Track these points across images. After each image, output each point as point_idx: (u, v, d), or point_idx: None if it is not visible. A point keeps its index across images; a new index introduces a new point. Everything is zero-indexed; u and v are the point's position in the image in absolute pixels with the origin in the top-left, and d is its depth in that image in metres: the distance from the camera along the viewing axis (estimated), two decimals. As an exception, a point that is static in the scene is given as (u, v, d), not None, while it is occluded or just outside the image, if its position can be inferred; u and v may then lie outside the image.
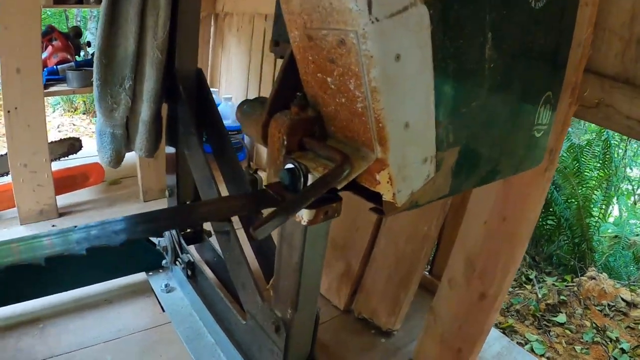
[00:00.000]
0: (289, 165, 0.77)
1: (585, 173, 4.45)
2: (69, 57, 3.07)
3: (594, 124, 4.56)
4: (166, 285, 1.84)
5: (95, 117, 5.13)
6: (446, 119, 0.78)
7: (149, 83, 1.57)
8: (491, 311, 1.65)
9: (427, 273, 2.39)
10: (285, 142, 0.78)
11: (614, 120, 1.33)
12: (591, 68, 1.35)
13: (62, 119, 5.95)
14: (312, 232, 0.99)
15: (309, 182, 0.76)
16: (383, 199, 0.77)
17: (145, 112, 1.61)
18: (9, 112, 2.37)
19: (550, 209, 4.36)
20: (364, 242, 2.03)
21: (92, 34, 7.24)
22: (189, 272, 1.75)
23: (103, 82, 1.56)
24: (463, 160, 0.85)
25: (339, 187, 0.75)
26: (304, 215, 0.79)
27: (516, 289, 3.74)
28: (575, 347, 3.10)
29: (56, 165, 2.76)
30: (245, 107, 0.91)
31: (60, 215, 2.70)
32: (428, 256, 1.96)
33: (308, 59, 0.75)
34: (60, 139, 3.18)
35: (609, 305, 3.48)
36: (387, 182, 0.75)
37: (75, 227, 0.88)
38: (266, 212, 0.71)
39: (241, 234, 1.40)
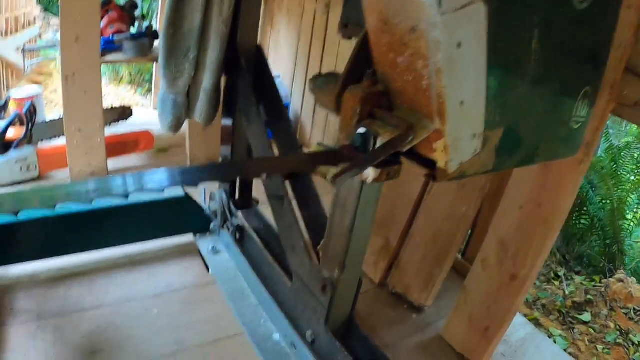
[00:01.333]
0: (362, 130, 0.87)
1: (622, 175, 4.40)
2: (124, 28, 3.17)
3: (635, 127, 4.51)
4: (213, 248, 1.93)
5: (140, 88, 5.25)
6: (494, 102, 0.86)
7: (212, 55, 1.64)
8: (520, 293, 1.72)
9: (460, 256, 2.45)
10: (358, 111, 0.88)
11: (650, 121, 1.36)
12: (632, 68, 1.39)
13: (107, 88, 6.09)
14: (365, 198, 1.09)
15: (377, 145, 0.86)
16: (437, 165, 0.87)
17: (206, 81, 1.69)
18: (66, 78, 2.46)
19: (585, 208, 4.33)
20: (403, 219, 2.10)
21: (139, -1, 7.37)
22: (238, 236, 1.84)
23: (169, 52, 1.64)
24: (506, 141, 0.93)
25: (403, 150, 0.85)
26: (370, 173, 0.90)
27: (544, 284, 3.75)
28: (597, 346, 3.11)
29: (107, 131, 2.84)
30: (319, 81, 1.02)
31: (110, 178, 2.80)
32: (464, 237, 2.02)
33: (381, 41, 0.85)
34: (112, 107, 3.30)
35: (634, 309, 3.47)
36: (442, 150, 0.85)
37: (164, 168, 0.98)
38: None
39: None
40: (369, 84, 0.87)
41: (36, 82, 5.61)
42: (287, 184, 1.47)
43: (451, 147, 0.84)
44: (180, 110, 1.76)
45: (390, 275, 2.21)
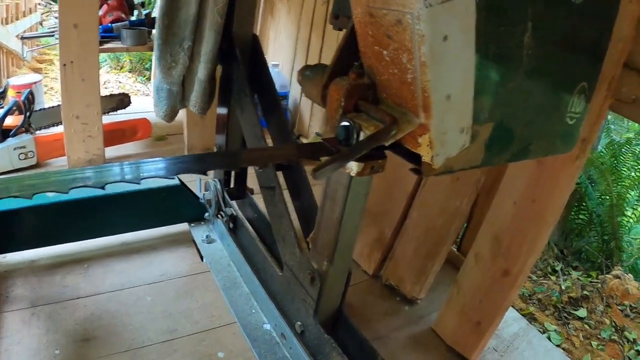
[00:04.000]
0: (345, 123, 0.86)
1: (622, 171, 4.38)
2: (123, 16, 3.16)
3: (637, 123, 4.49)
4: (207, 237, 1.93)
5: (141, 76, 5.24)
6: (483, 96, 0.85)
7: (207, 45, 1.63)
8: (512, 288, 1.72)
9: (456, 249, 2.45)
10: (343, 104, 0.87)
11: (648, 118, 1.33)
12: (631, 64, 1.37)
13: (108, 76, 6.08)
14: (354, 190, 1.09)
15: (361, 139, 0.85)
16: (422, 160, 0.86)
17: (201, 71, 1.68)
18: (64, 65, 2.46)
19: (583, 204, 4.31)
20: (397, 211, 2.11)
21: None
22: (231, 225, 1.84)
23: (163, 42, 1.63)
24: (496, 136, 0.92)
25: (387, 144, 0.84)
26: (353, 167, 0.89)
27: (540, 278, 3.75)
28: (592, 342, 3.11)
29: (105, 119, 2.85)
30: (307, 72, 1.01)
31: (108, 166, 2.80)
32: (458, 231, 2.02)
33: (368, 33, 0.84)
34: (111, 94, 3.30)
35: (630, 306, 3.47)
36: (427, 145, 0.83)
37: (168, 158, 0.98)
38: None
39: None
40: (355, 77, 0.86)
41: (37, 70, 5.61)
42: (280, 174, 1.47)
43: (436, 142, 0.83)
44: (175, 100, 1.75)
45: (384, 267, 2.22)
